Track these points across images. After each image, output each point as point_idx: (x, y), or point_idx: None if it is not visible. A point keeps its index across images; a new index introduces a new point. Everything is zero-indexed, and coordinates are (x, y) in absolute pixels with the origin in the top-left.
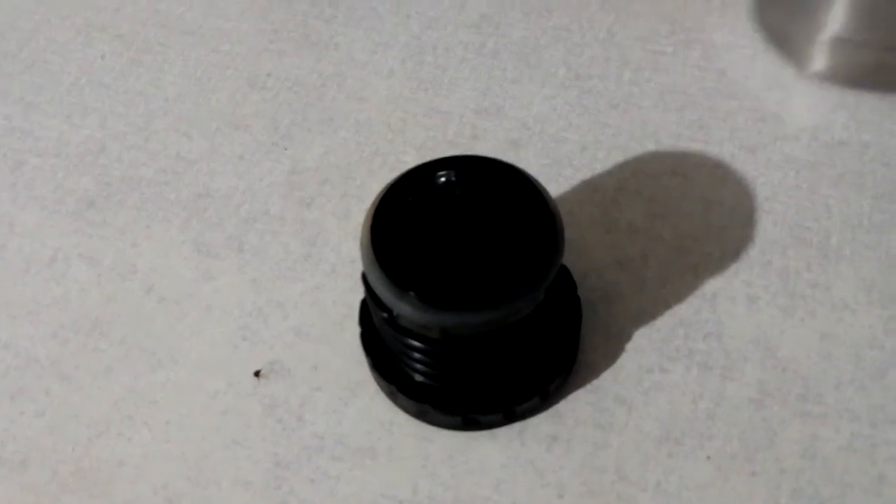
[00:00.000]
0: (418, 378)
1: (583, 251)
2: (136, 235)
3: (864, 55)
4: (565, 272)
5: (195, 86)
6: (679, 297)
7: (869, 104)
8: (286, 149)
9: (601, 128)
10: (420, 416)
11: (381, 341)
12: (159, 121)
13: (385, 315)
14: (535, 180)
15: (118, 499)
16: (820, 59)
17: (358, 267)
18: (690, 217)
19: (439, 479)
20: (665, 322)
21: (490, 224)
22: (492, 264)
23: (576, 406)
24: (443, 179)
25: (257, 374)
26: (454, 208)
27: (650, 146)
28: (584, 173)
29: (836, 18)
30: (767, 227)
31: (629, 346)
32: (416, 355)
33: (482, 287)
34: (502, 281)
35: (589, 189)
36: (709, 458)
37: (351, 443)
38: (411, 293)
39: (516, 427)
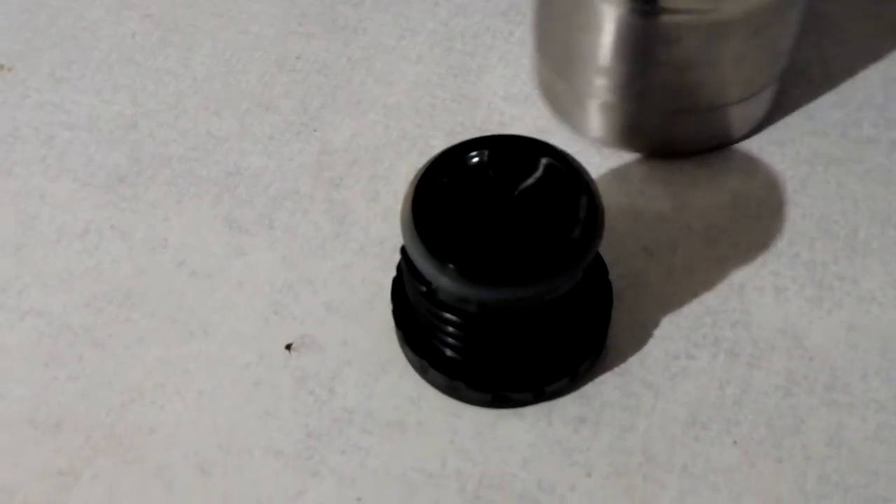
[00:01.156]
0: (449, 353)
1: (611, 239)
2: (167, 210)
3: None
4: (598, 256)
5: (224, 66)
6: (707, 285)
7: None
8: (315, 130)
9: None
10: (451, 391)
11: (413, 317)
12: (189, 99)
13: (423, 288)
14: (575, 160)
15: (151, 464)
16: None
17: (387, 247)
18: (718, 208)
19: (467, 454)
20: (692, 310)
21: (529, 202)
22: (531, 241)
23: (603, 389)
24: (479, 159)
25: (288, 347)
26: (493, 186)
27: None
28: (613, 162)
29: (598, 87)
30: (795, 220)
31: (657, 333)
32: (451, 330)
33: (522, 262)
34: (542, 257)
35: (618, 178)
36: (735, 443)
37: (381, 416)
38: (451, 266)
39: (544, 407)
